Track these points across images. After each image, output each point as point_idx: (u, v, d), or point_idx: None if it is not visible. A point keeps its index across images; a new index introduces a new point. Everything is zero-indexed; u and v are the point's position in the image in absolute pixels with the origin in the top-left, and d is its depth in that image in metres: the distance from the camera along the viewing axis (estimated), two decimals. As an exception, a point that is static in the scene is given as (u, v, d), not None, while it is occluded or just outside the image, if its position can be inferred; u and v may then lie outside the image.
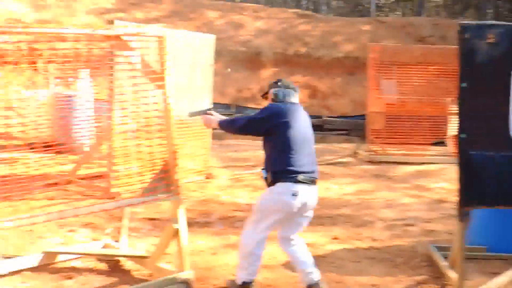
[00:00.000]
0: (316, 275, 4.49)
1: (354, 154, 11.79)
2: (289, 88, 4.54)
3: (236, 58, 17.61)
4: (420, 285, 4.97)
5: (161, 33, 4.48)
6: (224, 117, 4.68)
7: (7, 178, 4.06)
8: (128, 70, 4.58)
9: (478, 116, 4.52)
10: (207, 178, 9.17)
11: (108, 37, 4.35)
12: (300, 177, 4.25)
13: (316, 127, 15.30)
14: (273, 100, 4.50)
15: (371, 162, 10.94)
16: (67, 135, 9.51)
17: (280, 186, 4.24)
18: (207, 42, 8.96)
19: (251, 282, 4.49)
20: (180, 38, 8.43)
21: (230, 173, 9.64)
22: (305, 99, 17.43)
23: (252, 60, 17.92)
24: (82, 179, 7.91)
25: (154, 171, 4.75)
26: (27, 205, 4.12)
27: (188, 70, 8.55)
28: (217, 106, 12.80)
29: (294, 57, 18.08)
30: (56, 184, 7.08)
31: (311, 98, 17.15)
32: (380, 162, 10.88)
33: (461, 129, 4.52)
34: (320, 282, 4.49)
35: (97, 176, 7.94)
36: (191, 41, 8.66)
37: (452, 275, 4.81)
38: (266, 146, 4.39)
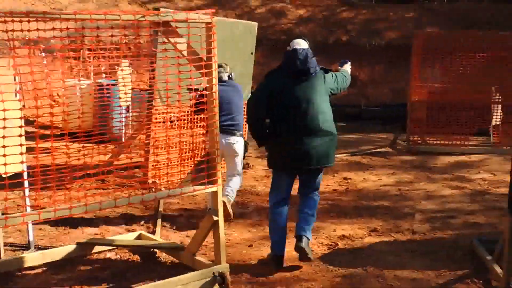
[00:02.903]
0: (230, 198, 6.14)
1: (393, 144, 11.56)
2: (220, 69, 5.87)
3: (276, 47, 17.41)
4: (463, 279, 4.79)
5: (210, 20, 4.38)
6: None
7: (46, 168, 4.05)
8: (175, 57, 4.48)
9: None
10: (243, 168, 9.08)
11: (156, 24, 4.26)
12: (221, 129, 5.28)
13: (354, 117, 15.16)
14: None
15: (411, 152, 10.70)
16: (107, 125, 9.57)
17: None
18: (249, 30, 8.84)
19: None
20: (222, 25, 8.35)
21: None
22: (344, 88, 17.11)
23: (292, 48, 17.65)
24: (119, 169, 7.89)
25: (195, 161, 4.69)
26: (66, 196, 4.11)
27: (229, 57, 8.47)
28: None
29: (334, 45, 17.79)
30: (93, 174, 7.11)
31: (350, 87, 16.83)
32: (420, 153, 10.63)
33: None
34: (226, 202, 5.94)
35: (135, 167, 7.94)
36: (233, 28, 8.56)
37: (498, 269, 4.62)
38: None
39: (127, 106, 9.80)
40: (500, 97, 11.36)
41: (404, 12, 19.07)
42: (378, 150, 11.02)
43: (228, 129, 6.08)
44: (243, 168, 9.09)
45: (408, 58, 11.45)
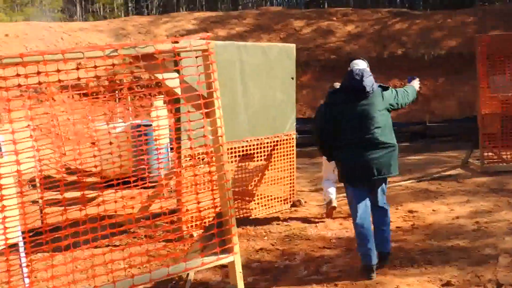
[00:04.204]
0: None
1: (465, 165, 10.26)
2: None
3: (326, 67, 16.42)
4: None
5: (206, 46, 3.47)
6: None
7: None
8: (161, 97, 3.63)
9: None
10: (293, 206, 8.08)
11: (136, 58, 3.40)
12: None
13: (419, 135, 13.86)
14: None
15: (486, 172, 9.41)
16: (146, 168, 8.78)
17: None
18: (286, 53, 7.91)
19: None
20: (253, 50, 7.45)
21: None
22: (405, 104, 15.90)
23: (343, 67, 16.61)
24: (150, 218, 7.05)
25: (203, 225, 3.78)
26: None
27: (265, 85, 7.56)
28: (301, 121, 11.63)
29: (390, 59, 16.64)
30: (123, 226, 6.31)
31: (412, 103, 15.63)
32: (496, 172, 9.34)
33: None
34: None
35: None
36: (267, 52, 7.65)
37: None
38: None
39: (167, 145, 9.04)
40: None
41: (463, 17, 17.71)
42: (448, 173, 9.75)
43: None
44: (294, 205, 8.12)
45: (472, 66, 10.17)
